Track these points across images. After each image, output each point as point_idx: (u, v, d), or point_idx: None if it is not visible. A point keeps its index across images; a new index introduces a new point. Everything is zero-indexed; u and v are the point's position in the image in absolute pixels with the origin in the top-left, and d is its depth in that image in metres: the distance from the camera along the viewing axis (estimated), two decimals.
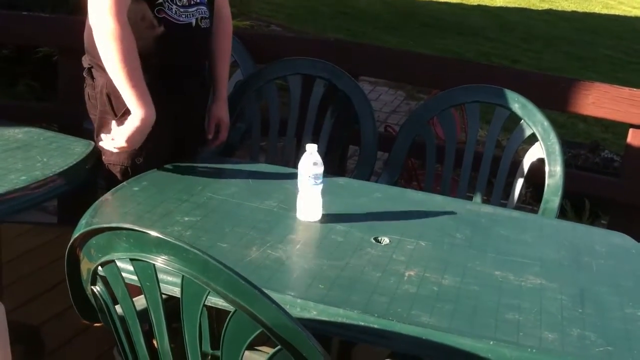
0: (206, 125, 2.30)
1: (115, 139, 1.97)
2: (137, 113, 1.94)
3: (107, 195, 1.85)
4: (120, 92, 1.95)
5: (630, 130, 2.87)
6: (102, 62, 2.02)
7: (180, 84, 2.13)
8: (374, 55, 3.27)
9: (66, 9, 4.45)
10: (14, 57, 4.59)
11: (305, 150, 1.88)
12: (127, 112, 2.03)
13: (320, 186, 1.86)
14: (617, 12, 13.01)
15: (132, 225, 1.16)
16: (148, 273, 1.20)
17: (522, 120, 2.46)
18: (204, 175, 2.07)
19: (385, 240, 1.80)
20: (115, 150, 1.99)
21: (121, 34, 1.90)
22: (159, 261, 1.17)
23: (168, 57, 2.07)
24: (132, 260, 1.20)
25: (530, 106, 2.47)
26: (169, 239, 1.15)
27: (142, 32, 1.99)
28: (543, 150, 2.40)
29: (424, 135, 2.59)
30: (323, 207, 1.88)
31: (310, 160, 1.85)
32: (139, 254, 1.18)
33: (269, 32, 7.92)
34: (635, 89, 2.90)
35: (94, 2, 1.92)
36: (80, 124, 2.67)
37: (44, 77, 4.32)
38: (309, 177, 1.84)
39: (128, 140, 1.95)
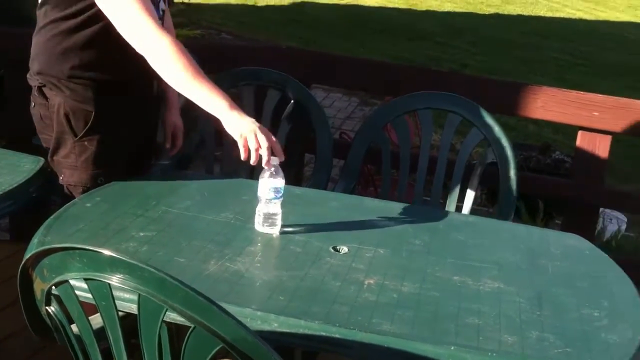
0: (161, 135, 2.26)
1: (248, 137, 1.82)
2: (223, 106, 1.86)
3: (60, 212, 1.81)
4: (195, 98, 1.88)
5: (579, 133, 2.93)
6: (57, 81, 1.97)
7: (138, 98, 2.09)
8: (326, 63, 3.28)
9: (7, 19, 4.35)
10: None
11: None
12: (87, 133, 1.99)
13: (280, 200, 1.84)
14: (562, 15, 13.27)
15: (85, 245, 1.13)
16: (103, 292, 1.17)
17: (474, 126, 2.49)
18: (158, 189, 2.04)
19: (344, 249, 1.79)
20: (266, 145, 1.81)
21: (174, 41, 1.88)
22: (114, 280, 1.14)
23: (120, 72, 2.03)
24: (86, 280, 1.17)
25: (481, 111, 2.50)
26: (123, 258, 1.13)
27: (97, 48, 1.96)
28: (495, 155, 2.43)
29: (379, 142, 2.60)
30: (281, 218, 1.87)
31: (272, 173, 1.83)
32: (93, 273, 1.16)
33: (219, 40, 7.89)
34: (582, 92, 2.96)
35: (136, 28, 1.87)
36: (29, 138, 2.60)
37: None
38: (269, 190, 1.82)
39: (251, 132, 1.82)
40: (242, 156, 1.83)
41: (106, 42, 1.95)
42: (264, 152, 1.81)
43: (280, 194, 1.84)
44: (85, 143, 2.01)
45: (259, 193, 1.83)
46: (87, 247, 1.14)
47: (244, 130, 1.83)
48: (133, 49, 1.98)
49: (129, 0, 1.86)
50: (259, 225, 1.84)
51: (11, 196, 1.88)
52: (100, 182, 2.01)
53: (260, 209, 1.84)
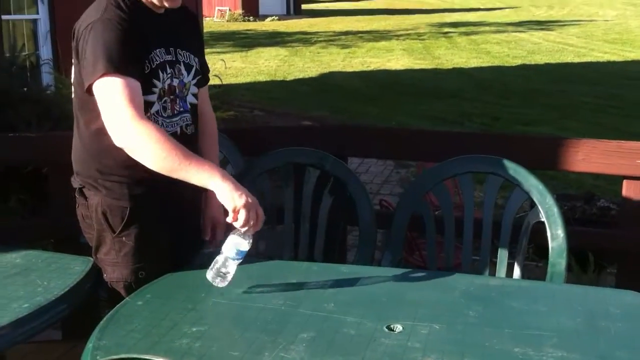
0: (202, 226, 2.29)
1: (240, 212, 1.86)
2: (216, 179, 1.88)
3: (112, 313, 1.81)
4: (187, 178, 1.90)
5: (624, 182, 2.88)
6: (94, 182, 2.02)
7: (174, 192, 2.13)
8: (357, 135, 3.30)
9: (49, 122, 4.50)
10: (2, 172, 4.61)
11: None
12: (125, 228, 2.02)
13: (238, 261, 1.92)
14: (589, 59, 13.28)
15: (141, 355, 1.13)
16: None
17: (517, 186, 2.47)
18: (205, 280, 2.04)
19: (399, 327, 1.76)
20: (253, 223, 1.87)
21: (154, 128, 1.90)
22: None
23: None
24: None
25: (523, 171, 2.48)
26: None
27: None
28: (542, 214, 2.39)
29: (421, 212, 2.59)
30: (330, 298, 1.87)
31: (242, 235, 1.90)
32: None
33: (252, 121, 8.02)
34: (623, 142, 2.92)
35: (117, 121, 1.90)
36: (76, 237, 2.65)
37: (35, 190, 4.32)
38: (233, 249, 1.91)
39: (243, 207, 1.86)
40: (230, 219, 1.88)
41: None
42: (251, 229, 1.89)
43: (241, 257, 1.92)
44: (124, 239, 2.05)
45: (223, 247, 1.92)
46: (142, 357, 1.14)
47: (237, 204, 1.86)
48: None
49: (116, 93, 1.89)
50: (210, 274, 1.93)
51: (64, 300, 1.91)
52: (142, 275, 2.04)
53: (217, 261, 1.92)
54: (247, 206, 1.86)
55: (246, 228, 1.88)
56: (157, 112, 2.05)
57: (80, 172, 2.10)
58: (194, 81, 2.19)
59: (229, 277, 1.93)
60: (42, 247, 2.87)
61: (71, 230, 2.57)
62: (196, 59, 2.20)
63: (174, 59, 2.11)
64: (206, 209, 2.31)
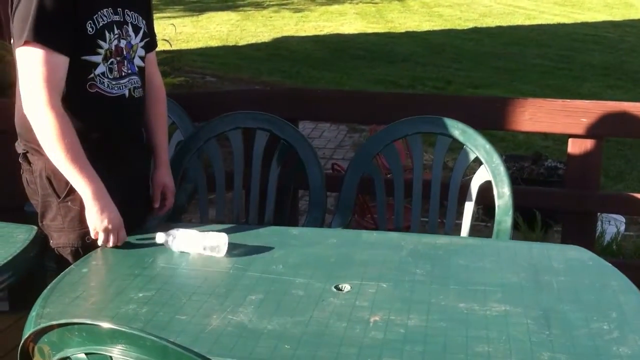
0: (151, 193, 2.26)
1: (99, 234, 1.98)
2: (87, 195, 1.94)
3: (56, 281, 1.79)
4: (68, 178, 1.95)
5: (570, 141, 2.93)
6: (37, 146, 1.99)
7: (121, 153, 2.09)
8: (308, 98, 3.29)
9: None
10: None
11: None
12: (70, 192, 1.99)
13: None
14: (539, 22, 13.38)
15: (83, 319, 1.12)
16: None
17: (465, 145, 2.49)
18: (153, 246, 2.02)
19: (347, 287, 1.78)
20: (111, 245, 1.99)
21: (59, 120, 1.88)
22: (115, 352, 1.12)
23: (105, 129, 2.05)
24: (87, 354, 1.16)
25: (470, 131, 2.50)
26: (123, 329, 1.11)
27: (76, 108, 1.96)
28: (489, 173, 2.42)
29: (371, 173, 2.60)
30: (279, 260, 1.89)
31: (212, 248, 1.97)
32: (94, 347, 1.14)
33: (204, 87, 7.92)
34: (568, 100, 2.97)
35: (29, 96, 1.90)
36: (20, 206, 2.60)
37: None
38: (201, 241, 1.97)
39: (104, 231, 1.97)
40: (92, 235, 1.99)
41: (78, 102, 1.98)
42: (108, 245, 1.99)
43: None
44: (69, 203, 2.02)
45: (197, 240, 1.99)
46: (85, 321, 1.13)
47: (98, 227, 1.96)
48: (108, 106, 2.00)
49: (35, 68, 1.88)
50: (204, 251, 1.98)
51: (8, 269, 1.87)
52: (88, 240, 2.01)
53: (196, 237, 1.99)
54: (106, 231, 1.96)
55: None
56: (102, 73, 2.01)
57: (23, 135, 2.06)
58: (142, 43, 2.15)
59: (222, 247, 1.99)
60: None
61: (15, 198, 2.53)
62: (144, 21, 2.16)
63: (121, 19, 2.06)
64: (155, 176, 2.28)
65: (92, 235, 1.98)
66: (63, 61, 1.91)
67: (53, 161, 1.93)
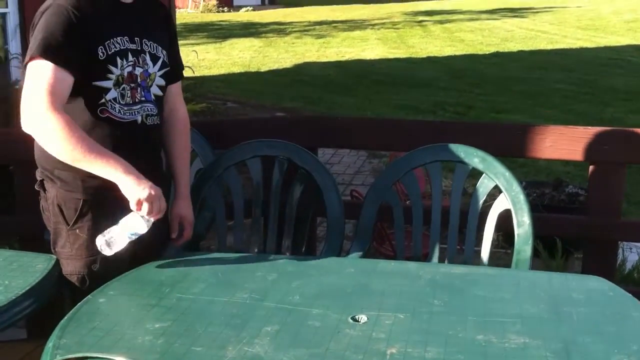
0: (170, 223, 2.27)
1: (143, 204, 1.94)
2: (119, 173, 1.93)
3: (74, 311, 1.79)
4: (92, 170, 1.94)
5: (591, 168, 2.90)
6: (51, 174, 2.02)
7: None
8: (327, 126, 3.30)
9: (17, 118, 4.42)
10: None
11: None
12: (78, 220, 2.03)
13: (130, 239, 1.99)
14: (562, 46, 13.36)
15: (98, 353, 1.12)
16: None
17: (484, 173, 2.48)
18: (171, 275, 2.03)
19: (363, 318, 1.76)
20: (156, 215, 1.97)
21: (63, 120, 1.88)
22: None
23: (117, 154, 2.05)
24: None
25: (490, 159, 2.48)
26: None
27: (88, 133, 1.98)
28: (508, 201, 2.41)
29: (389, 201, 2.59)
30: (296, 291, 1.88)
31: (144, 219, 1.97)
32: None
33: (225, 113, 7.97)
34: (589, 127, 2.94)
35: (29, 105, 1.90)
36: (41, 235, 2.62)
37: (2, 189, 4.26)
38: (129, 230, 1.97)
39: (146, 199, 1.94)
40: (134, 208, 1.95)
41: (89, 127, 2.00)
42: (153, 218, 1.97)
43: (134, 237, 1.98)
44: (77, 231, 2.05)
45: (122, 220, 1.97)
46: (100, 356, 1.13)
47: (140, 196, 1.93)
48: (120, 131, 2.04)
49: (38, 78, 1.90)
50: (100, 240, 1.97)
51: (27, 297, 1.88)
52: (95, 268, 2.03)
53: (113, 231, 1.97)
54: (149, 198, 1.93)
55: (152, 220, 1.96)
56: (114, 99, 2.04)
57: (40, 163, 2.10)
58: (160, 73, 2.18)
59: (115, 249, 1.98)
60: (9, 246, 2.83)
61: (37, 228, 2.55)
62: (164, 52, 2.18)
63: (138, 48, 2.10)
64: (173, 207, 2.29)
65: (135, 208, 1.95)
66: (68, 77, 1.94)
67: (70, 161, 1.92)
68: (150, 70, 2.13)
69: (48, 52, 1.91)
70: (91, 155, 1.91)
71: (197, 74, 9.01)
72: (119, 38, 2.05)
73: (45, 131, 1.90)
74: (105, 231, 1.97)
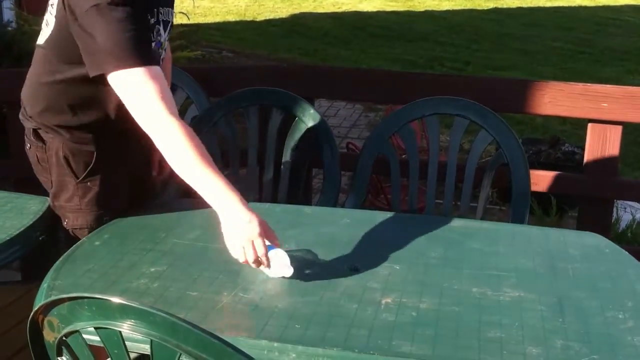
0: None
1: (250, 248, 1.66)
2: (233, 199, 1.70)
3: (69, 253, 1.79)
4: (204, 192, 1.72)
5: (589, 125, 2.89)
6: (54, 126, 1.93)
7: (135, 135, 2.03)
8: (326, 76, 3.26)
9: (10, 59, 4.36)
10: None
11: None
12: (90, 174, 1.96)
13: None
14: (561, 4, 13.21)
15: (93, 293, 1.11)
16: (114, 340, 1.15)
17: (482, 128, 2.46)
18: (166, 221, 2.01)
19: (359, 268, 1.76)
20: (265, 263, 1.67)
21: (183, 130, 1.73)
22: (125, 327, 1.12)
23: (121, 122, 1.92)
24: (96, 328, 1.15)
25: (488, 113, 2.46)
26: (132, 304, 1.10)
27: (99, 100, 1.91)
28: (506, 156, 2.39)
29: (386, 153, 2.57)
30: (291, 239, 1.87)
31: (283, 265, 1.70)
32: (103, 321, 1.13)
33: (220, 62, 7.88)
34: (589, 84, 2.92)
35: (148, 115, 1.75)
36: (35, 178, 2.59)
37: None
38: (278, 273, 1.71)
39: (258, 225, 1.67)
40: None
41: (108, 99, 1.90)
42: (255, 264, 1.68)
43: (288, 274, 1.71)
44: (88, 184, 1.98)
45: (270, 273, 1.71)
46: (96, 296, 1.12)
47: (244, 239, 1.66)
48: None
49: (147, 87, 1.74)
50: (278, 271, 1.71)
51: (19, 240, 1.87)
52: (105, 221, 1.98)
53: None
54: (251, 240, 1.66)
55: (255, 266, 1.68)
56: None
57: (41, 115, 1.96)
58: (168, 37, 2.07)
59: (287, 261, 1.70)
60: (3, 188, 2.81)
61: (31, 170, 2.52)
62: (173, 11, 2.05)
63: (156, 20, 1.94)
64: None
65: (235, 252, 1.68)
66: (160, 71, 1.80)
67: (184, 172, 1.73)
68: (162, 39, 2.00)
69: (138, 55, 1.75)
70: (209, 170, 1.71)
71: (191, 21, 8.86)
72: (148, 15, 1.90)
73: (167, 138, 1.74)
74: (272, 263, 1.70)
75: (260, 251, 1.65)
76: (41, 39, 1.94)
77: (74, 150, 1.95)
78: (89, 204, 1.99)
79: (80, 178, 1.97)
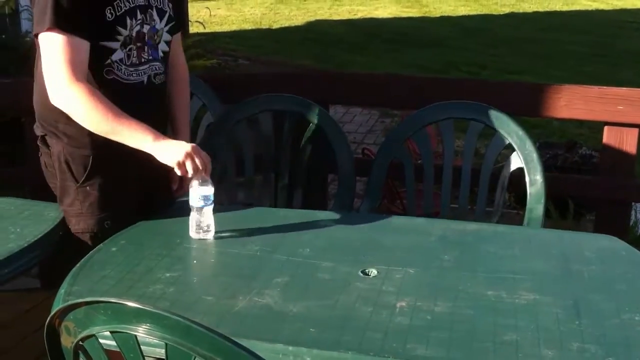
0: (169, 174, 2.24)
1: (186, 164, 1.87)
2: (148, 141, 1.88)
3: (86, 259, 1.80)
4: (121, 139, 1.89)
5: (606, 128, 2.87)
6: (55, 129, 1.99)
7: None
8: (339, 82, 3.27)
9: (27, 69, 4.40)
10: None
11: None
12: (88, 177, 2.00)
13: (211, 206, 1.91)
14: (577, 8, 13.16)
15: (108, 298, 1.12)
16: (130, 344, 1.16)
17: (497, 132, 2.46)
18: (182, 226, 2.02)
19: (373, 271, 1.76)
20: (202, 168, 1.89)
21: (87, 92, 1.86)
22: (140, 331, 1.13)
23: None
24: (112, 332, 1.16)
25: (503, 117, 2.46)
26: (147, 308, 1.11)
27: None
28: (521, 160, 2.39)
29: (401, 158, 2.57)
30: (306, 244, 1.87)
31: (200, 182, 1.89)
32: (119, 325, 1.14)
33: (236, 70, 7.91)
34: (605, 87, 2.90)
35: (53, 78, 1.88)
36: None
37: (14, 139, 4.26)
38: (199, 198, 1.89)
39: (186, 157, 1.87)
40: (179, 173, 1.90)
41: (95, 89, 1.94)
42: (204, 173, 1.88)
43: (210, 201, 1.91)
44: (87, 188, 2.02)
45: (190, 202, 1.91)
46: (111, 300, 1.13)
47: (179, 157, 1.86)
48: (125, 93, 1.99)
49: (57, 51, 1.87)
50: (193, 233, 1.91)
51: (37, 247, 1.89)
52: (107, 225, 2.01)
53: (193, 218, 1.91)
54: (188, 155, 1.86)
55: (198, 175, 1.89)
56: (120, 59, 1.98)
57: (42, 116, 2.05)
58: (167, 28, 2.12)
59: (212, 226, 1.93)
60: (21, 196, 2.84)
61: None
62: (170, 4, 2.13)
63: (146, 3, 2.03)
64: None
65: (178, 170, 1.87)
66: (84, 44, 1.90)
67: (100, 131, 1.89)
68: (158, 27, 2.07)
69: (60, 21, 1.85)
70: (120, 123, 1.87)
71: (208, 30, 8.93)
72: None
73: (71, 103, 1.88)
74: (190, 224, 1.93)
75: (200, 163, 1.86)
76: None
77: (73, 154, 2.00)
78: (89, 208, 2.02)
79: (80, 182, 2.01)
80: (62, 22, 1.86)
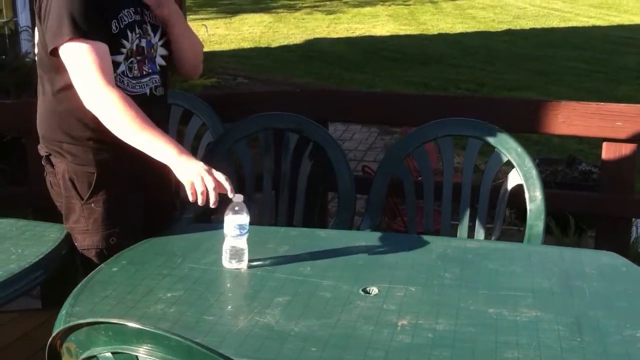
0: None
1: (199, 181, 1.82)
2: (171, 151, 1.87)
3: (86, 280, 1.80)
4: (148, 150, 1.89)
5: (604, 144, 2.88)
6: (59, 148, 2.00)
7: (142, 157, 2.08)
8: (338, 99, 3.28)
9: (29, 89, 4.42)
10: None
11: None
12: (93, 194, 2.00)
13: (245, 236, 1.87)
14: (575, 24, 13.22)
15: (110, 319, 1.12)
16: None
17: (496, 148, 2.46)
18: (183, 245, 2.03)
19: (374, 290, 1.76)
20: (215, 186, 1.82)
21: (119, 96, 1.89)
22: (141, 352, 1.13)
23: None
24: (114, 353, 1.16)
25: (502, 134, 2.47)
26: (148, 329, 1.11)
27: (88, 113, 1.96)
28: (520, 177, 2.39)
29: (400, 175, 2.58)
30: (307, 262, 1.87)
31: (236, 210, 1.86)
32: (121, 346, 1.14)
33: (236, 88, 7.94)
34: (602, 103, 2.91)
35: (85, 85, 1.90)
36: (54, 206, 2.63)
37: (15, 160, 4.27)
38: (234, 227, 1.85)
39: (199, 166, 1.85)
40: (190, 199, 1.85)
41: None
42: (211, 194, 1.81)
43: (245, 230, 1.87)
44: (92, 205, 2.04)
45: (225, 230, 1.87)
46: (112, 321, 1.13)
47: (190, 175, 1.83)
48: None
49: (85, 58, 1.89)
50: (226, 262, 1.87)
51: (39, 267, 1.90)
52: (113, 242, 2.03)
53: (227, 246, 1.87)
54: (200, 174, 1.82)
55: (212, 198, 1.82)
56: (122, 72, 2.03)
57: (46, 136, 2.08)
58: (161, 42, 2.16)
59: (245, 256, 1.88)
60: (22, 216, 2.84)
61: (50, 199, 2.56)
62: (152, 14, 2.16)
63: (141, 18, 2.08)
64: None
65: (188, 189, 1.83)
66: (106, 49, 1.93)
67: (124, 137, 1.90)
68: (153, 41, 2.12)
69: (79, 30, 1.88)
70: (148, 131, 1.88)
71: (207, 49, 8.95)
72: (126, 10, 2.04)
73: (104, 107, 1.90)
74: (222, 253, 1.89)
75: (210, 185, 1.80)
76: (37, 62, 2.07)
77: (77, 172, 2.02)
78: (94, 224, 2.04)
79: (85, 199, 2.03)
80: (82, 31, 1.89)
